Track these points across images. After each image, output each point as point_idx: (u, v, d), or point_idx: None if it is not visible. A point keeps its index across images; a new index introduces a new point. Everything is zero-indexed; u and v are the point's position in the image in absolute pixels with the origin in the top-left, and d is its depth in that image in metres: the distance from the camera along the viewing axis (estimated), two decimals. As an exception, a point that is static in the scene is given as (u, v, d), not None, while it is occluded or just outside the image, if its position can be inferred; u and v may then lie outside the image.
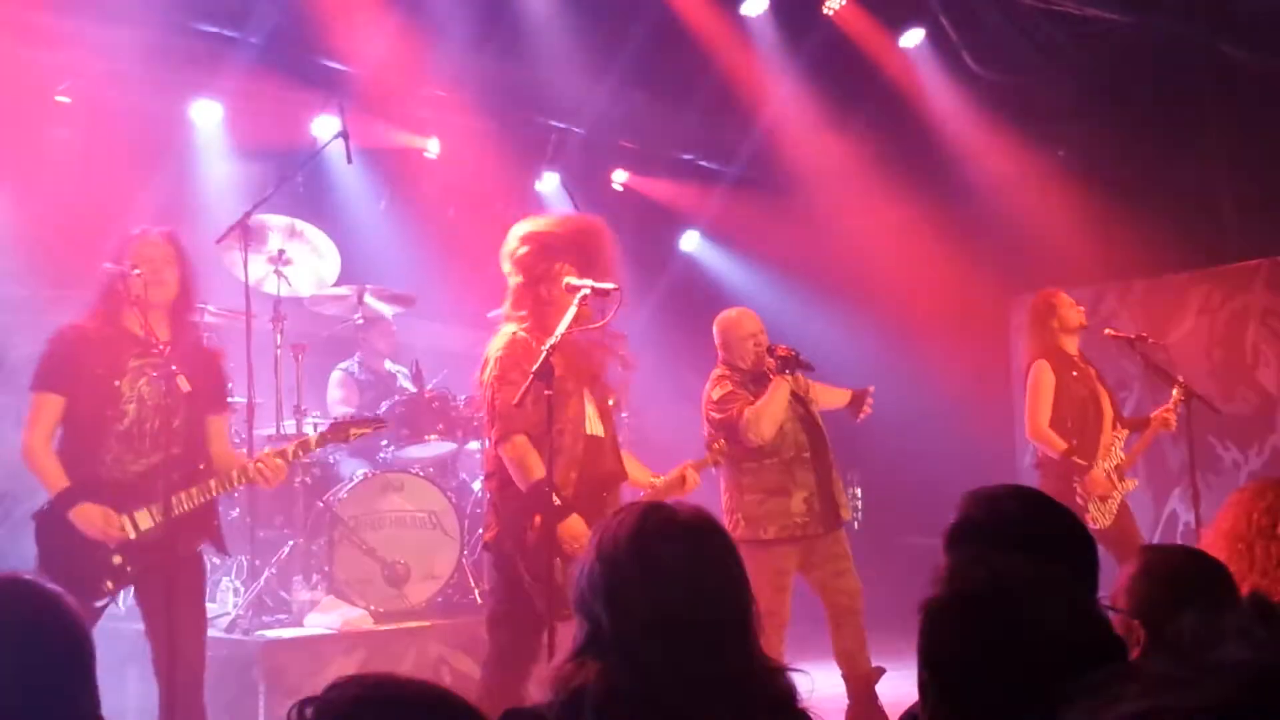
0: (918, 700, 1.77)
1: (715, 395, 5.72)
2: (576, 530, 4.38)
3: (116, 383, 4.28)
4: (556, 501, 4.37)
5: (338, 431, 4.80)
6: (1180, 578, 2.41)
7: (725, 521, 5.68)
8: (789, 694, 2.02)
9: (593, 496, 4.55)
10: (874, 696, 5.42)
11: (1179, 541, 7.69)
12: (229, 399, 4.79)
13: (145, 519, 4.26)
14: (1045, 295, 6.34)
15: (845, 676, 5.55)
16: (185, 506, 4.28)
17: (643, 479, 4.97)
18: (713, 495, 5.72)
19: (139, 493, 4.27)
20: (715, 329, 5.88)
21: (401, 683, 1.37)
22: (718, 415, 5.65)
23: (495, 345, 4.66)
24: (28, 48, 6.51)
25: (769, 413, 5.53)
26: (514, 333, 4.64)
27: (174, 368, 4.17)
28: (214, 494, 4.37)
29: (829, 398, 5.97)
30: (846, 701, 5.51)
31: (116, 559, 4.21)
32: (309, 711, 1.30)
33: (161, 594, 4.17)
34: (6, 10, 6.27)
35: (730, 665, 1.97)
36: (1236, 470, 8.22)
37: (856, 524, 5.95)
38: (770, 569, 5.57)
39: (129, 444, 4.29)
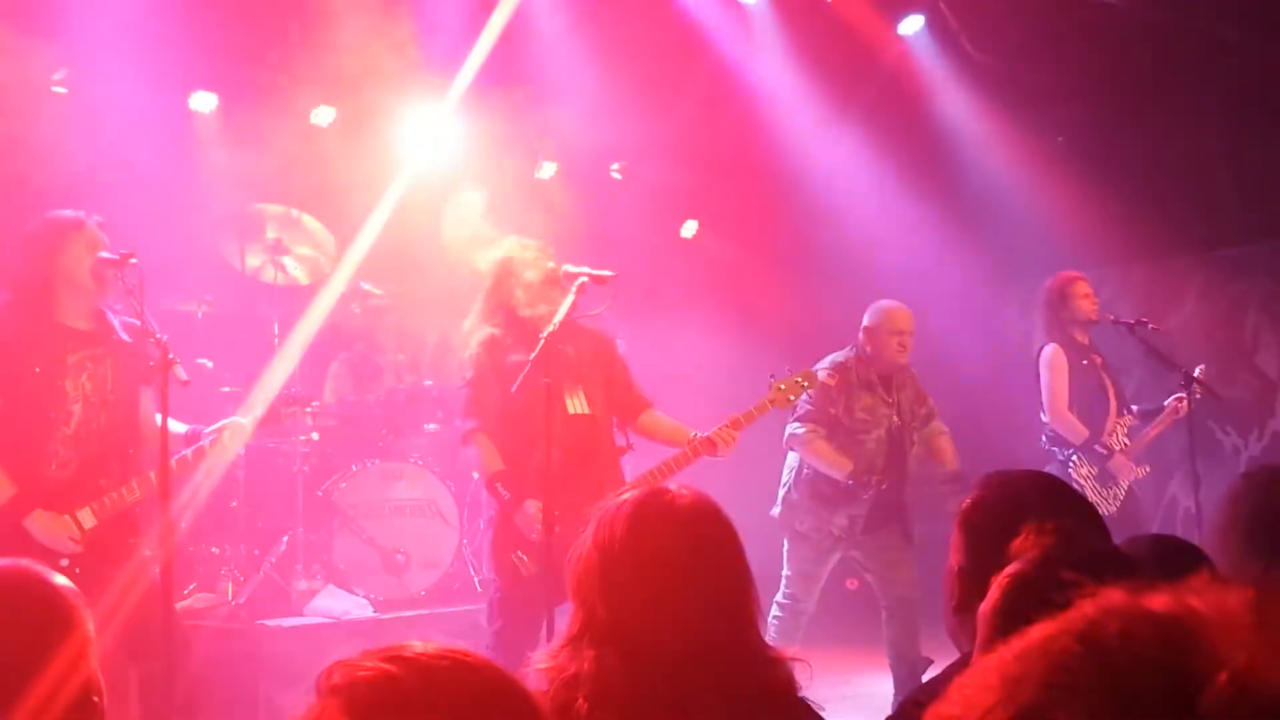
0: (918, 688, 1.76)
1: (823, 375, 5.58)
2: (528, 515, 4.45)
3: (59, 383, 4.13)
4: (505, 495, 4.48)
5: (270, 414, 4.55)
6: (1148, 564, 2.40)
7: (779, 492, 5.71)
8: (787, 683, 2.00)
9: (582, 473, 4.53)
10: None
11: (1179, 528, 7.69)
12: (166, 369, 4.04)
13: (88, 517, 4.12)
14: (1063, 282, 6.19)
15: (893, 666, 5.57)
16: (127, 500, 4.17)
17: (679, 438, 4.81)
18: (746, 467, 5.65)
19: (78, 490, 4.13)
20: (867, 315, 5.74)
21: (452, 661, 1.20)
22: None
23: (471, 340, 4.73)
24: (24, 37, 6.48)
25: (813, 458, 5.55)
26: (486, 327, 4.72)
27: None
28: (153, 486, 4.12)
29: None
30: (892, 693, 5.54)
31: (64, 562, 4.02)
32: (337, 677, 1.18)
33: (110, 588, 3.93)
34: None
35: (726, 655, 1.95)
36: (1236, 455, 8.21)
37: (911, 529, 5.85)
38: (803, 556, 5.61)
39: (75, 446, 4.16)
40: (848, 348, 5.76)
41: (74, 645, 1.82)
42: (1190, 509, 7.17)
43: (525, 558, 4.50)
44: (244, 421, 4.43)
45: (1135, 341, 6.45)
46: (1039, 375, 6.17)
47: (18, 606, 1.83)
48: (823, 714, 2.07)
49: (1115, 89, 8.46)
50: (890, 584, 5.61)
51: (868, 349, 5.69)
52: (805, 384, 4.99)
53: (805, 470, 5.64)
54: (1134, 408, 6.34)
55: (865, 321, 5.73)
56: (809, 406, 5.53)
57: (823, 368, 5.67)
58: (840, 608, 6.49)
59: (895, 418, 5.67)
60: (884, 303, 5.79)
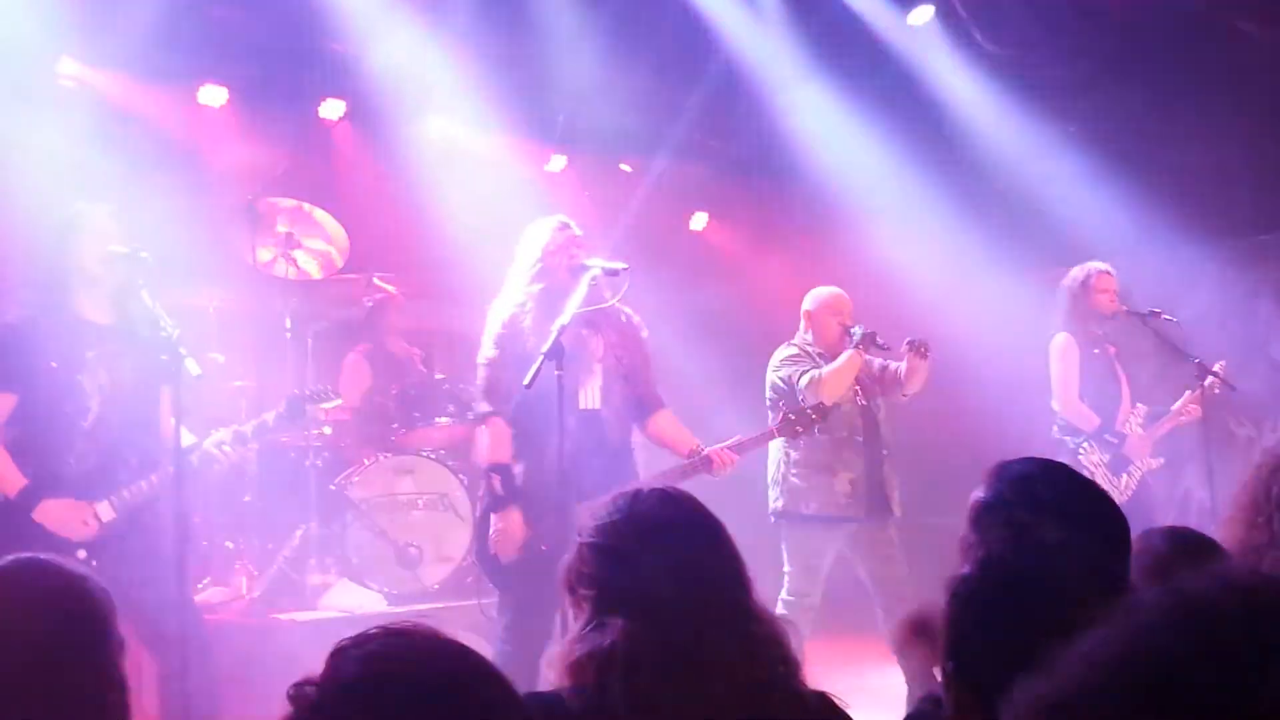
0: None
1: (780, 356, 5.72)
2: (505, 523, 4.43)
3: (78, 377, 4.12)
4: (498, 491, 4.45)
5: (294, 407, 4.55)
6: (1163, 556, 2.39)
7: (769, 493, 5.71)
8: (784, 637, 2.06)
9: (589, 467, 4.49)
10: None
11: (1193, 519, 7.66)
12: (183, 366, 4.03)
13: (106, 511, 4.11)
14: (1088, 274, 6.15)
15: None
16: (146, 494, 4.17)
17: (681, 446, 4.73)
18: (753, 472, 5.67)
19: (97, 484, 4.12)
20: (805, 302, 5.87)
21: (410, 645, 1.28)
22: (777, 375, 5.61)
23: (494, 318, 4.68)
24: (32, 29, 6.48)
25: (833, 378, 5.49)
26: (512, 306, 4.65)
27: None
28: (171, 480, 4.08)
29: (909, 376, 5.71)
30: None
31: (81, 554, 4.00)
32: (309, 690, 1.22)
33: (127, 583, 3.73)
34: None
35: (736, 609, 2.02)
36: (1250, 446, 8.18)
37: (897, 509, 5.83)
38: (805, 548, 5.61)
39: (94, 440, 4.14)
40: (794, 338, 5.85)
41: (96, 640, 1.82)
42: (1204, 501, 7.14)
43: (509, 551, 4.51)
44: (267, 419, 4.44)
45: (1149, 332, 6.42)
46: (1050, 364, 6.17)
47: (41, 599, 1.82)
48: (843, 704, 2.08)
49: (1128, 79, 8.42)
50: (884, 581, 5.63)
51: (809, 333, 5.79)
52: (815, 418, 4.97)
53: (794, 451, 5.63)
54: (1147, 408, 6.31)
55: (806, 306, 5.85)
56: (793, 365, 5.62)
57: (781, 358, 5.76)
58: (848, 598, 6.48)
59: (860, 397, 5.72)
60: (823, 289, 5.91)
